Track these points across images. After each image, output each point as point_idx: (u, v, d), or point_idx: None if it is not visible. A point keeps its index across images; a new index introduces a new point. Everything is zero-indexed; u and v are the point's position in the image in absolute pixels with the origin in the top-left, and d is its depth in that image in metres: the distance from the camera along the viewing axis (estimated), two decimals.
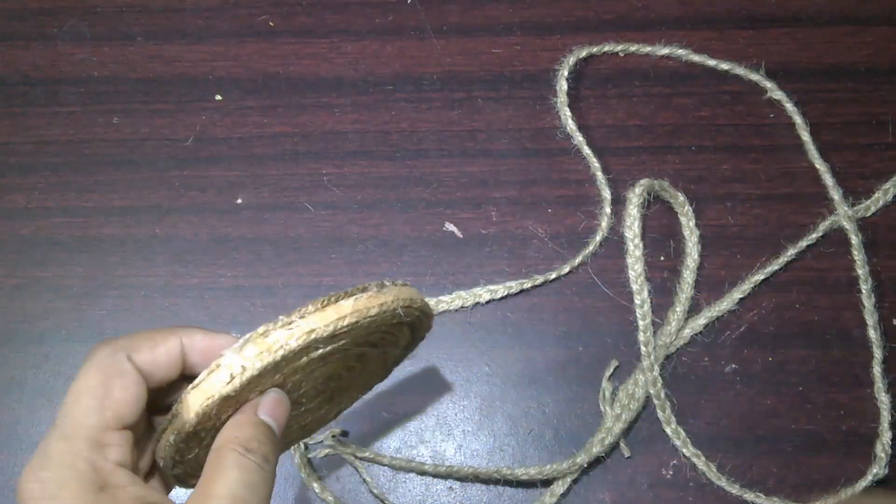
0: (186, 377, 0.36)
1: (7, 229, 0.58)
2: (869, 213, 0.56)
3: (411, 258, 0.56)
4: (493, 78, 0.60)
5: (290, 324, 0.35)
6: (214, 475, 0.34)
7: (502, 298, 0.55)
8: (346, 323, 0.35)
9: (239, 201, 0.58)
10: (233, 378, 0.34)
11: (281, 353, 0.34)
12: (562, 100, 0.58)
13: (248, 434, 0.35)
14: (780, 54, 0.60)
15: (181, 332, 0.37)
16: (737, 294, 0.54)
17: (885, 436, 0.51)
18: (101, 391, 0.34)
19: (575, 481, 0.51)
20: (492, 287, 0.55)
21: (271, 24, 0.62)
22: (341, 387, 0.43)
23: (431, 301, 0.55)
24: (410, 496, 0.52)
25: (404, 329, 0.41)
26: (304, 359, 0.36)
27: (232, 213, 0.57)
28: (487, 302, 0.55)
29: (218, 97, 0.60)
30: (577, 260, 0.55)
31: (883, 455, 0.51)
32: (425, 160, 0.58)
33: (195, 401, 0.34)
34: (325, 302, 0.35)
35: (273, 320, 0.35)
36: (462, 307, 0.55)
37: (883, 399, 0.52)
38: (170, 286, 0.56)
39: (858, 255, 0.54)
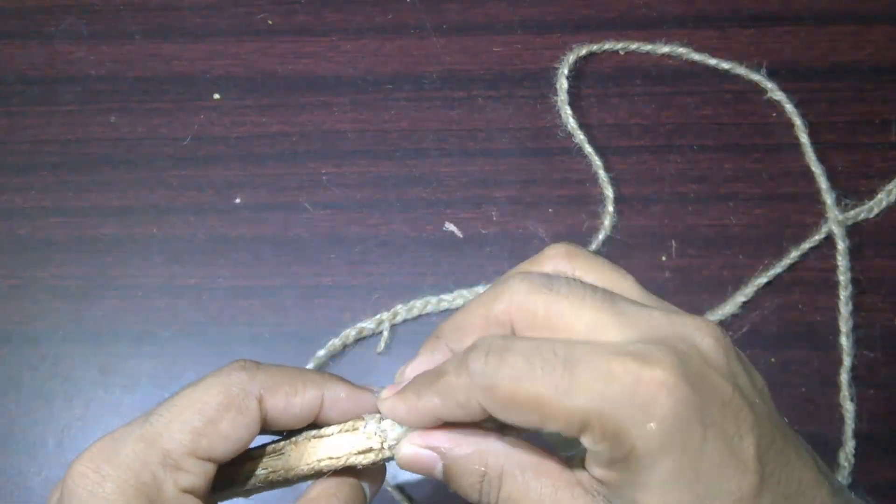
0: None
1: (4, 229, 0.57)
2: (872, 214, 0.56)
3: (411, 258, 0.56)
4: (494, 77, 0.60)
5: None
6: None
7: None
8: None
9: (237, 201, 0.58)
10: (370, 451, 0.32)
11: None
12: (562, 98, 0.58)
13: (351, 494, 0.33)
14: (782, 53, 0.60)
15: (326, 384, 0.34)
16: (740, 297, 0.54)
17: (849, 444, 0.51)
18: (211, 415, 0.32)
19: None
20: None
21: (270, 22, 0.62)
22: None
23: (433, 300, 0.54)
24: (424, 491, 0.52)
25: None
26: None
27: (230, 213, 0.57)
28: None
29: (216, 96, 0.60)
30: None
31: (846, 464, 0.50)
32: (425, 160, 0.58)
33: (315, 453, 0.32)
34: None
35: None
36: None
37: (847, 407, 0.52)
38: (168, 286, 0.56)
39: (842, 262, 0.54)
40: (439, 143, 0.58)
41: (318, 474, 0.33)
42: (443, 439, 0.32)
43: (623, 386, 0.28)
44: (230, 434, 0.32)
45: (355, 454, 0.32)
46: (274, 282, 0.56)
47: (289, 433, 0.34)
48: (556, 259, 0.33)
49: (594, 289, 0.31)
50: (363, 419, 0.33)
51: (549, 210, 0.57)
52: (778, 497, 0.29)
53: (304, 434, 0.32)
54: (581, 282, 0.31)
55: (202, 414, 0.32)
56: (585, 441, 0.29)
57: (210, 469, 0.32)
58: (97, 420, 0.53)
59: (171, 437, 0.31)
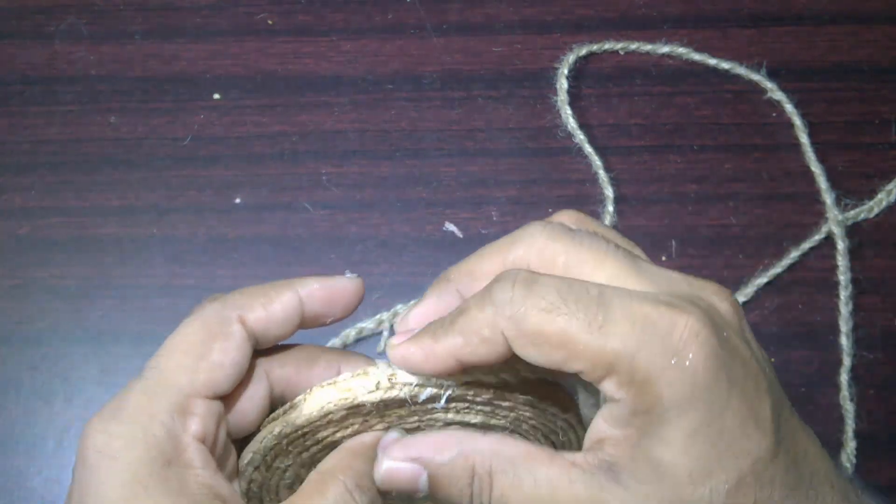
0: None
1: (4, 229, 0.57)
2: (872, 214, 0.56)
3: (411, 258, 0.56)
4: (494, 76, 0.60)
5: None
6: (307, 502, 0.30)
7: None
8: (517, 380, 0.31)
9: (237, 201, 0.58)
10: (378, 388, 0.31)
11: (434, 389, 0.31)
12: (562, 98, 0.58)
13: (365, 469, 0.31)
14: (782, 53, 0.60)
15: (297, 284, 0.34)
16: (740, 297, 0.54)
17: (850, 445, 0.51)
18: (198, 350, 0.31)
19: None
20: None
21: (270, 22, 0.62)
22: None
23: None
24: None
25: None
26: (449, 414, 0.32)
27: (230, 213, 0.57)
28: None
29: (216, 96, 0.60)
30: None
31: (848, 465, 0.50)
32: (425, 160, 0.58)
33: (325, 396, 0.31)
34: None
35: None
36: None
37: (848, 407, 0.52)
38: (168, 286, 0.56)
39: (842, 262, 0.54)
40: (439, 143, 0.58)
41: (329, 427, 0.32)
42: (423, 448, 0.30)
43: (658, 331, 0.27)
44: (224, 361, 0.31)
45: (365, 392, 0.30)
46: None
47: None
48: (567, 223, 0.32)
49: (615, 245, 0.31)
50: (375, 363, 0.32)
51: (549, 210, 0.57)
52: (790, 463, 0.29)
53: (318, 384, 0.32)
54: (602, 236, 0.31)
55: (190, 352, 0.31)
56: (608, 387, 0.28)
57: (218, 408, 0.32)
58: None
59: (169, 382, 0.31)
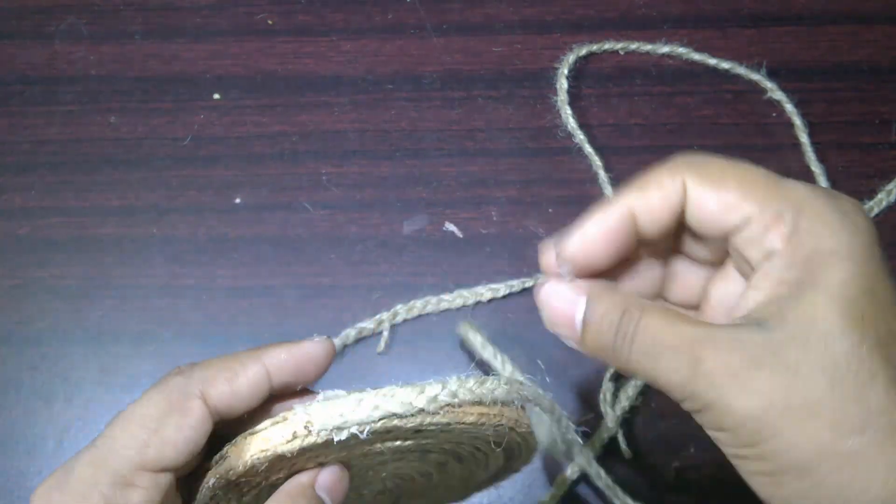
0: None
1: (4, 229, 0.57)
2: (872, 214, 0.56)
3: (411, 258, 0.56)
4: (494, 76, 0.60)
5: (379, 398, 0.30)
6: None
7: (504, 297, 0.55)
8: (433, 421, 0.30)
9: (237, 201, 0.58)
10: (295, 437, 0.30)
11: (354, 428, 0.30)
12: (562, 98, 0.58)
13: None
14: (782, 53, 0.60)
15: (264, 356, 0.33)
16: None
17: None
18: (153, 423, 0.31)
19: (575, 483, 0.51)
20: (493, 286, 0.55)
21: (270, 22, 0.62)
22: (410, 491, 0.39)
23: (433, 300, 0.54)
24: None
25: (498, 452, 0.35)
26: (379, 445, 0.32)
27: (230, 213, 0.57)
28: (489, 300, 0.55)
29: (216, 96, 0.60)
30: None
31: None
32: (425, 160, 0.58)
33: (249, 449, 0.31)
34: (422, 389, 0.31)
35: (362, 388, 0.31)
36: (464, 305, 0.54)
37: None
38: (168, 286, 0.56)
39: None
40: (439, 143, 0.58)
41: (259, 474, 0.32)
42: (585, 283, 0.32)
43: (828, 195, 0.30)
44: (177, 439, 0.31)
45: (283, 443, 0.30)
46: (274, 282, 0.56)
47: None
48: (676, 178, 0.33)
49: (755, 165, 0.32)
50: (293, 409, 0.31)
51: (549, 210, 0.57)
52: None
53: (242, 434, 0.31)
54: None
55: (144, 425, 0.31)
56: (772, 237, 0.30)
57: (165, 480, 0.32)
58: (97, 420, 0.53)
59: (117, 454, 0.31)
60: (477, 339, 0.49)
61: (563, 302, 0.32)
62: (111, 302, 0.55)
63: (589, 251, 0.33)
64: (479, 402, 0.31)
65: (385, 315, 0.54)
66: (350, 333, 0.54)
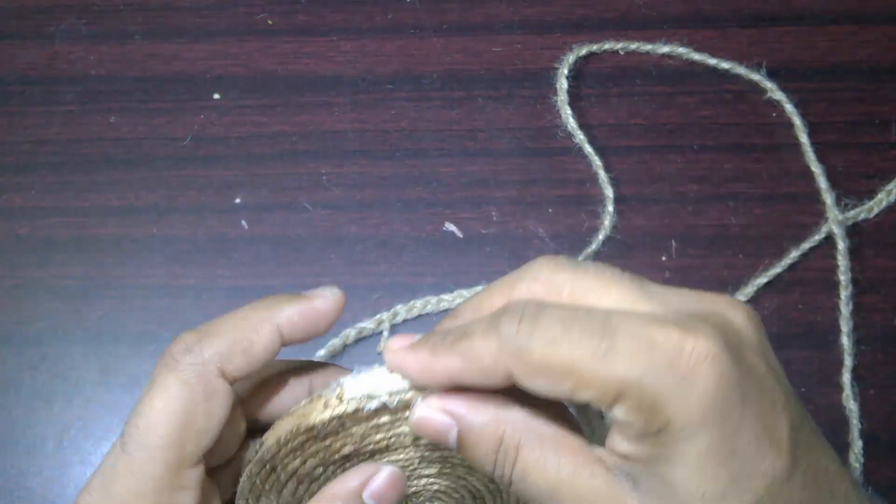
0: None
1: (4, 229, 0.57)
2: (872, 214, 0.56)
3: (411, 258, 0.56)
4: (494, 76, 0.60)
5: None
6: None
7: None
8: None
9: (237, 201, 0.58)
10: (326, 408, 0.29)
11: (385, 397, 0.29)
12: (562, 98, 0.58)
13: None
14: (782, 53, 0.60)
15: (275, 315, 0.32)
16: (740, 297, 0.54)
17: (856, 445, 0.51)
18: (182, 418, 0.30)
19: None
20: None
21: (270, 22, 0.62)
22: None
23: (433, 300, 0.54)
24: None
25: None
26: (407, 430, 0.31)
27: (230, 213, 0.57)
28: None
29: (216, 96, 0.60)
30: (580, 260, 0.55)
31: (856, 465, 0.50)
32: (425, 160, 0.58)
33: (283, 424, 0.30)
34: None
35: None
36: None
37: (852, 407, 0.52)
38: (168, 286, 0.56)
39: (843, 262, 0.54)
40: (439, 143, 0.58)
41: (295, 456, 0.31)
42: (460, 404, 0.30)
43: (664, 355, 0.27)
44: (210, 426, 0.30)
45: (315, 414, 0.30)
46: (274, 282, 0.56)
47: None
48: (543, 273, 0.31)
49: (621, 270, 0.30)
50: (331, 385, 0.30)
51: (549, 210, 0.57)
52: (807, 482, 0.28)
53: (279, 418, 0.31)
54: (607, 265, 0.30)
55: (174, 422, 0.30)
56: (618, 412, 0.28)
57: (202, 470, 0.31)
58: (97, 420, 0.53)
59: (155, 461, 0.30)
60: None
61: (433, 430, 0.30)
62: (111, 302, 0.55)
63: (411, 379, 0.30)
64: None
65: (385, 315, 0.54)
66: (350, 333, 0.54)
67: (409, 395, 0.30)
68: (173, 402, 0.30)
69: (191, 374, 0.30)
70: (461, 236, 0.56)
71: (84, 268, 0.56)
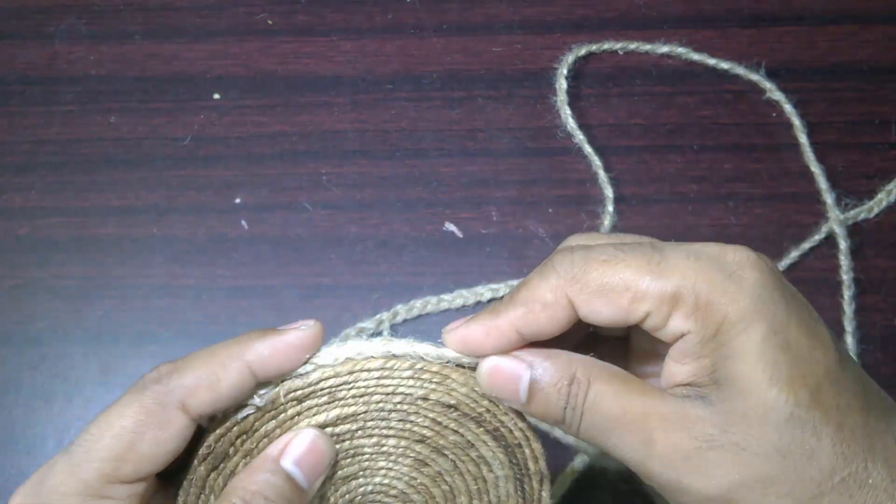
0: None
1: (4, 229, 0.57)
2: (872, 214, 0.56)
3: (411, 258, 0.56)
4: (494, 77, 0.60)
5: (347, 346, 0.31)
6: None
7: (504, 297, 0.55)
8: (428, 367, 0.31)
9: (237, 201, 0.58)
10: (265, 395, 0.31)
11: (329, 360, 0.31)
12: (562, 98, 0.58)
13: (257, 486, 0.30)
14: (782, 53, 0.60)
15: (245, 352, 0.31)
16: None
17: None
18: (128, 438, 0.30)
19: (575, 482, 0.51)
20: (493, 286, 0.55)
21: (270, 22, 0.62)
22: (434, 475, 0.35)
23: (433, 300, 0.54)
24: None
25: (490, 442, 0.34)
26: (380, 401, 0.31)
27: (230, 213, 0.57)
28: (489, 300, 0.55)
29: (216, 96, 0.60)
30: None
31: None
32: (425, 160, 0.58)
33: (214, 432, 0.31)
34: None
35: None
36: (464, 305, 0.54)
37: None
38: (168, 286, 0.56)
39: (845, 261, 0.54)
40: (439, 143, 0.58)
41: (241, 442, 0.32)
42: (530, 351, 0.31)
43: (712, 260, 0.29)
44: (154, 453, 0.30)
45: (254, 398, 0.31)
46: (274, 282, 0.56)
47: None
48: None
49: (639, 239, 0.32)
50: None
51: (549, 210, 0.57)
52: (857, 377, 0.30)
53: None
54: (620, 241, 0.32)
55: (120, 438, 0.30)
56: (674, 323, 0.29)
57: (141, 488, 0.31)
58: None
59: (90, 467, 0.30)
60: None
61: (505, 378, 0.31)
62: (111, 302, 0.55)
63: (478, 350, 0.31)
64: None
65: (385, 315, 0.54)
66: (350, 333, 0.54)
67: (343, 363, 0.31)
68: (126, 420, 0.30)
69: (152, 402, 0.30)
70: (461, 236, 0.56)
71: (84, 268, 0.56)
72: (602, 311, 0.30)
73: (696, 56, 0.59)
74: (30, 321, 0.55)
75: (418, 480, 0.35)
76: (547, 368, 0.31)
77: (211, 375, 0.31)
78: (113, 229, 0.57)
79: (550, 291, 0.30)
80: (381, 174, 0.58)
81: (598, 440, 0.31)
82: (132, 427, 0.30)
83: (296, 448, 0.31)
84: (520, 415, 0.33)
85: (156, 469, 0.31)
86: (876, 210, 0.56)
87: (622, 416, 0.30)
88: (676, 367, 0.30)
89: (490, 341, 0.31)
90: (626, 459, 0.30)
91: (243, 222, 0.57)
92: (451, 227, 0.57)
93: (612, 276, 0.29)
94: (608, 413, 0.30)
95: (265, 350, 0.31)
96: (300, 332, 0.32)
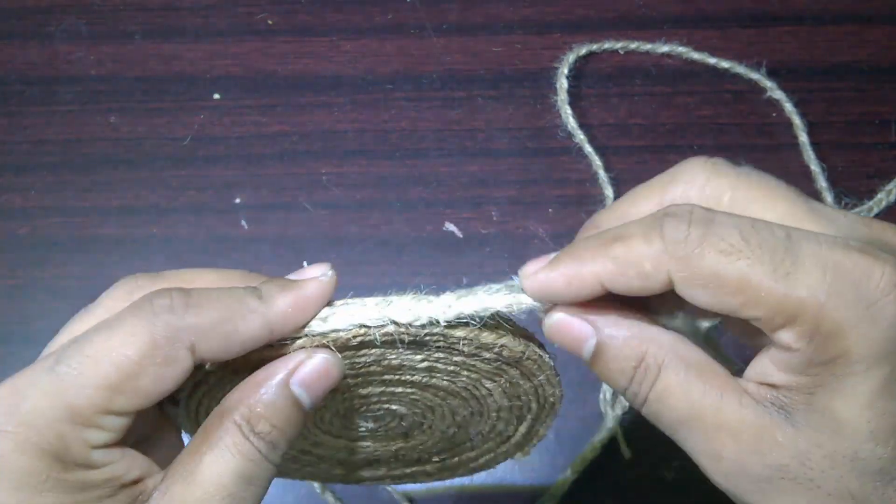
0: None
1: (4, 229, 0.57)
2: (872, 214, 0.56)
3: (411, 258, 0.56)
4: (494, 76, 0.60)
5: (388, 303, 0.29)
6: (205, 451, 0.27)
7: None
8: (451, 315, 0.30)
9: (237, 201, 0.58)
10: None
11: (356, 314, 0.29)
12: (562, 98, 0.58)
13: (262, 407, 0.28)
14: (782, 53, 0.60)
15: (267, 307, 0.29)
16: None
17: None
18: (130, 369, 0.27)
19: (576, 483, 0.51)
20: (493, 286, 0.54)
21: (270, 22, 0.62)
22: (429, 425, 0.35)
23: None
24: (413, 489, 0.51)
25: (498, 393, 0.33)
26: (396, 359, 0.30)
27: (230, 213, 0.57)
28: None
29: (216, 96, 0.60)
30: None
31: None
32: (425, 159, 0.58)
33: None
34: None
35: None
36: None
37: None
38: None
39: None
40: (439, 143, 0.58)
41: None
42: (603, 314, 0.28)
43: (852, 281, 0.25)
44: (153, 389, 0.27)
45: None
46: None
47: None
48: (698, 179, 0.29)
49: (784, 183, 0.28)
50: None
51: (549, 210, 0.57)
52: None
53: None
54: (765, 173, 0.28)
55: (119, 368, 0.27)
56: (785, 336, 0.25)
57: (130, 419, 0.28)
58: None
59: (82, 392, 0.27)
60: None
61: (571, 337, 0.28)
62: None
63: (555, 299, 0.29)
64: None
65: None
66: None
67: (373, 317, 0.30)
68: (131, 349, 0.27)
69: (162, 334, 0.27)
70: (461, 236, 0.56)
71: (84, 268, 0.56)
72: (701, 299, 0.26)
73: (696, 56, 0.59)
74: (30, 321, 0.55)
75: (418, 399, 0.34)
76: (616, 339, 0.28)
77: (228, 324, 0.28)
78: (113, 229, 0.57)
79: (651, 262, 0.26)
80: (381, 174, 0.58)
81: (659, 426, 0.28)
82: (137, 358, 0.27)
83: (308, 371, 0.29)
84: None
85: (148, 405, 0.28)
86: (876, 210, 0.56)
87: (689, 420, 0.27)
88: (771, 369, 0.27)
89: (571, 291, 0.27)
90: (689, 453, 0.28)
91: (243, 222, 0.57)
92: (451, 226, 0.57)
93: (728, 271, 0.25)
94: (673, 411, 0.27)
95: (289, 307, 0.29)
96: (319, 284, 0.31)
